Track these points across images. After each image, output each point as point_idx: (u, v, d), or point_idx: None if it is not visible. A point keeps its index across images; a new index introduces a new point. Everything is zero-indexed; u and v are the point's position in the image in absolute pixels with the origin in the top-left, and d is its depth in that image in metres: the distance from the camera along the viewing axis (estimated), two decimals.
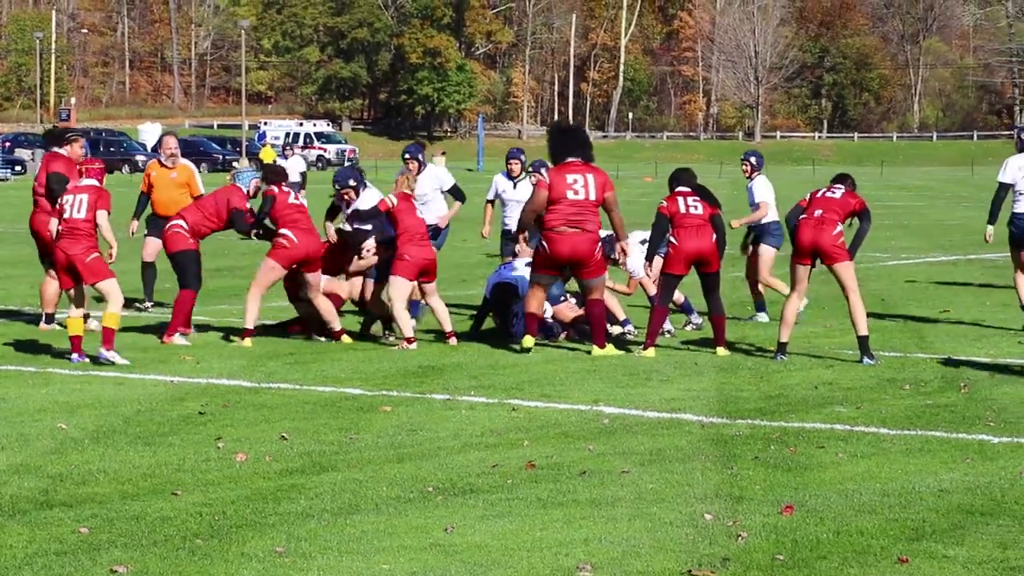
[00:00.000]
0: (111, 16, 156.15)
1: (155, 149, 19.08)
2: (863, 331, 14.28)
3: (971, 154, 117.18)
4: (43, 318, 16.59)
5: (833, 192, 14.70)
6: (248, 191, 16.00)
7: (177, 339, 15.25)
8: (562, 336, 15.82)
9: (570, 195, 14.68)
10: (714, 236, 14.82)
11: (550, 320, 15.82)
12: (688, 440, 10.40)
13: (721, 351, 14.70)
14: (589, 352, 14.75)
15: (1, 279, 22.86)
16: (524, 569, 7.12)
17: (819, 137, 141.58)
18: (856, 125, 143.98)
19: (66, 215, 14.26)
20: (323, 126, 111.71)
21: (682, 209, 14.84)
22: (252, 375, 13.31)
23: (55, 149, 16.51)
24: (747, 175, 18.21)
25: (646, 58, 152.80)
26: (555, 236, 14.68)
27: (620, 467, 9.44)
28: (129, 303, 17.78)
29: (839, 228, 14.45)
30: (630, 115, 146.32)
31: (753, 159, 18.25)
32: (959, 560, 7.29)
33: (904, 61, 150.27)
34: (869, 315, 18.49)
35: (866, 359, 14.11)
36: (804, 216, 14.49)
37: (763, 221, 17.84)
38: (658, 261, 15.43)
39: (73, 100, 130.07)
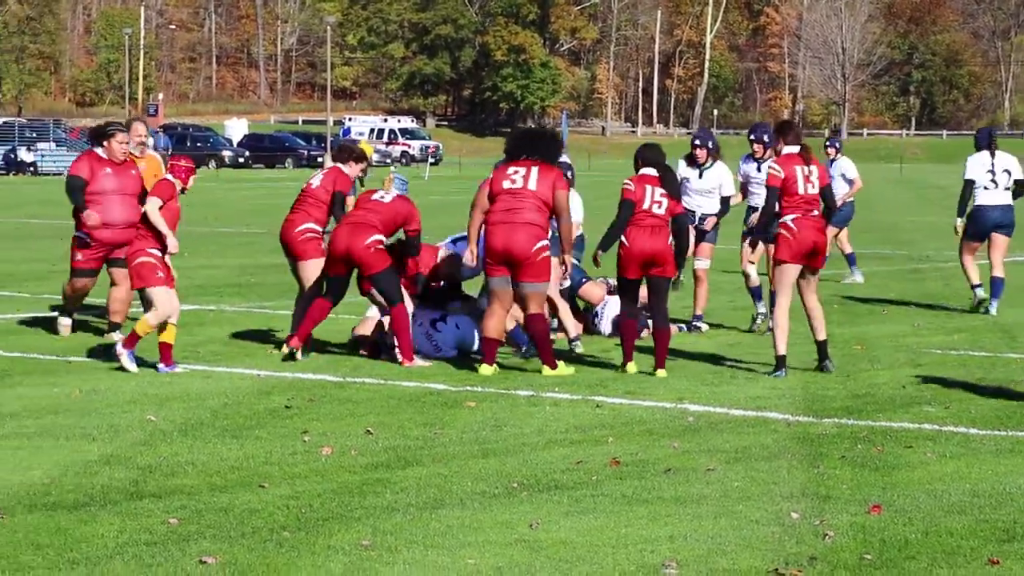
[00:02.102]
0: (198, 12, 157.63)
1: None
2: (822, 336, 13.45)
3: None
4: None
5: (812, 182, 13.14)
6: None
7: (419, 361, 13.59)
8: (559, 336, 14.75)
9: (506, 184, 13.22)
10: (670, 238, 13.32)
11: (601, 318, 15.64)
12: (774, 438, 10.35)
13: (660, 372, 13.17)
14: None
15: None
16: (609, 566, 7.11)
17: (907, 134, 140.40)
18: (945, 122, 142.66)
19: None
20: (407, 122, 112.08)
21: (645, 203, 13.24)
22: (337, 370, 13.37)
23: (95, 148, 14.93)
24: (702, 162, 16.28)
25: (732, 54, 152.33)
26: (489, 228, 13.24)
27: (705, 465, 9.40)
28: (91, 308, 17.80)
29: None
30: (715, 112, 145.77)
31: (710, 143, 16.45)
32: None
33: (995, 58, 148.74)
34: (956, 313, 18.37)
35: (827, 364, 13.39)
36: (796, 215, 13.07)
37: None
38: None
39: (161, 96, 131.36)
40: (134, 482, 8.78)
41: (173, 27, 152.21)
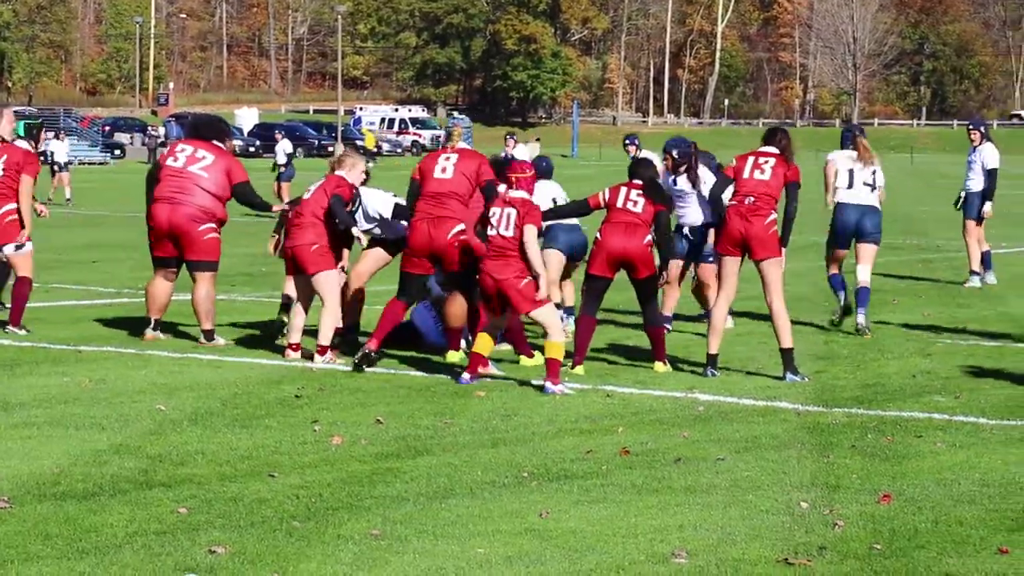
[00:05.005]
0: (209, 1, 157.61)
1: None
2: (787, 343, 12.52)
3: None
4: (150, 324, 14.46)
5: (763, 168, 12.69)
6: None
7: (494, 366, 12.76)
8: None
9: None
10: (647, 238, 12.82)
11: None
12: (784, 428, 10.34)
13: (659, 366, 12.93)
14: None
15: (104, 262, 23.15)
16: (619, 555, 7.11)
17: (917, 124, 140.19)
18: (955, 112, 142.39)
19: (491, 232, 12.24)
20: (418, 112, 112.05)
21: (619, 202, 12.88)
22: (348, 359, 13.36)
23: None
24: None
25: (743, 44, 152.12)
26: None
27: (715, 454, 9.40)
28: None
29: (772, 216, 12.60)
30: (726, 102, 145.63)
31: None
32: None
33: (1005, 48, 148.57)
34: (966, 303, 18.35)
35: (789, 375, 12.43)
36: (733, 203, 12.63)
37: None
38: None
39: (171, 85, 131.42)
40: (144, 471, 8.79)
41: (184, 16, 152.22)
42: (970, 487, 8.54)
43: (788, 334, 12.52)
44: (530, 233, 12.11)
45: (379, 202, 14.13)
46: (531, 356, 13.21)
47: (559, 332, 12.05)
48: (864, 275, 15.42)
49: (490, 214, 12.29)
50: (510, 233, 12.14)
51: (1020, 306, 18.06)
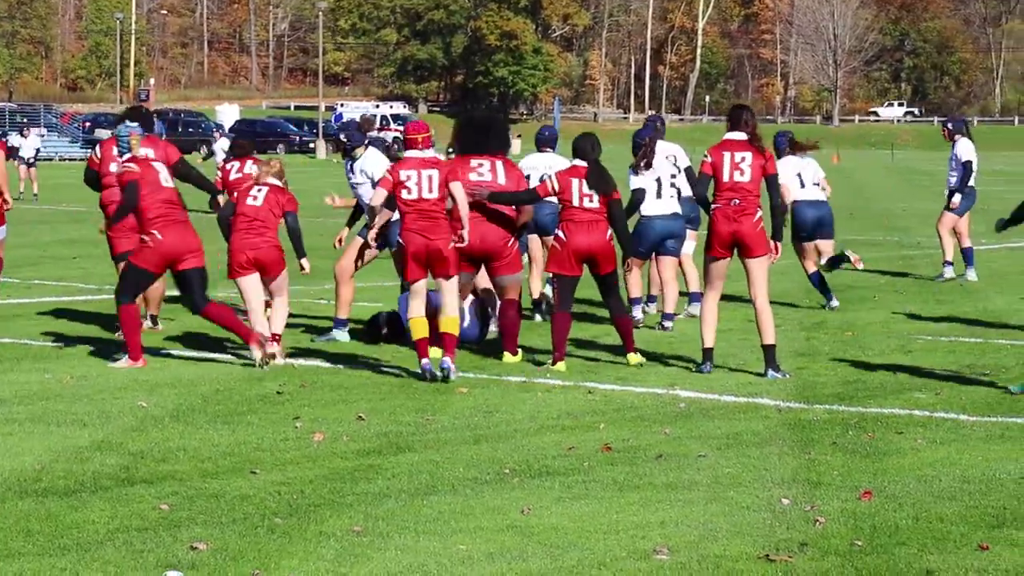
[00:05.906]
0: None
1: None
2: (769, 340, 12.53)
3: None
4: (149, 319, 14.82)
5: (741, 169, 12.51)
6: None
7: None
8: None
9: (473, 176, 13.15)
10: (608, 231, 12.87)
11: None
12: (765, 425, 10.36)
13: (632, 357, 12.98)
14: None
15: (84, 258, 23.10)
16: (600, 551, 7.12)
17: (898, 121, 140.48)
18: (936, 109, 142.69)
19: (411, 196, 12.24)
20: (399, 108, 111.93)
21: (575, 200, 12.83)
22: (329, 356, 13.37)
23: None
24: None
25: (724, 41, 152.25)
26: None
27: (697, 451, 9.42)
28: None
29: (759, 214, 12.53)
30: (707, 98, 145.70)
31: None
32: None
33: (986, 44, 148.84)
34: (947, 300, 18.39)
35: (771, 372, 12.45)
36: (717, 205, 12.49)
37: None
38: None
39: (152, 81, 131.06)
40: (125, 468, 8.78)
41: (164, 12, 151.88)
42: (951, 483, 8.56)
43: (771, 331, 12.55)
44: (458, 189, 12.37)
45: (374, 163, 14.14)
46: (515, 353, 13.22)
47: (455, 306, 12.38)
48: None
49: (403, 178, 12.26)
50: (435, 195, 12.26)
51: (1000, 302, 18.10)
